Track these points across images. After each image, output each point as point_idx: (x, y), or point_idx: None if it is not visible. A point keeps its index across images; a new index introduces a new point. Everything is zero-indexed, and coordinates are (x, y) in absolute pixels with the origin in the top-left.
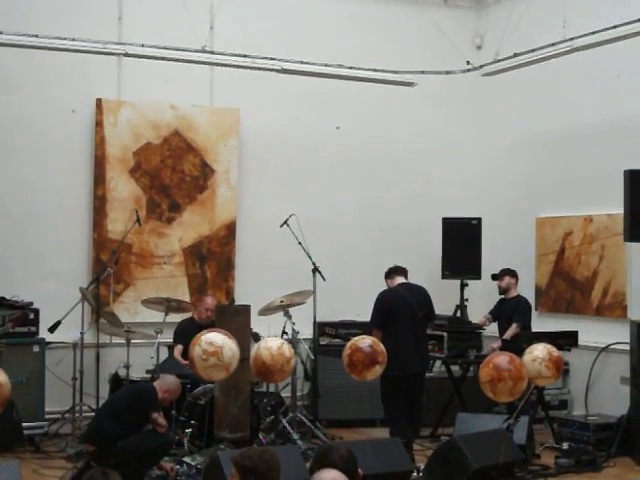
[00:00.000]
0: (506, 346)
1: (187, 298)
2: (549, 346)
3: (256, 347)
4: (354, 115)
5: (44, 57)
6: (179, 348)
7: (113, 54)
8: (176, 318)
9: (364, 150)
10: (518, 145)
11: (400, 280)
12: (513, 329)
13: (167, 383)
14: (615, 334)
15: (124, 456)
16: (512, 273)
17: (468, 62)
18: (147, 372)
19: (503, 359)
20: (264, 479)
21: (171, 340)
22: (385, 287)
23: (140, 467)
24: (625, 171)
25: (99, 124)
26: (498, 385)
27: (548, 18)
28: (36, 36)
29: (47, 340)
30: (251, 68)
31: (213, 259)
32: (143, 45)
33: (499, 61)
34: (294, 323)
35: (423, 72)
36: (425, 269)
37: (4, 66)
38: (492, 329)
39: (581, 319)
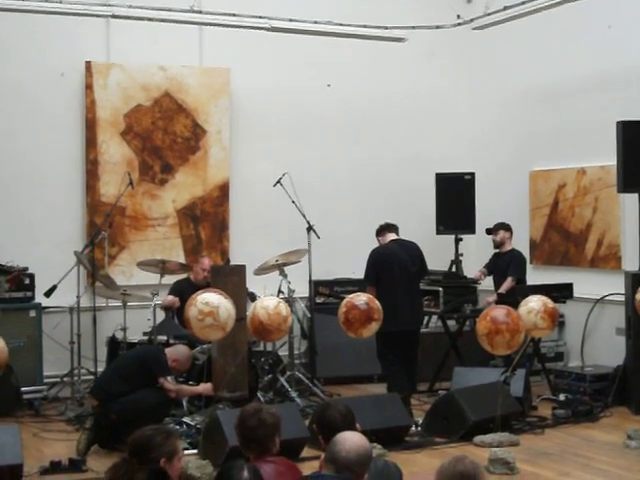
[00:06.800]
0: (502, 300)
1: (182, 259)
2: (544, 298)
3: (253, 307)
4: (345, 72)
5: (31, 20)
6: (170, 297)
7: (100, 16)
8: (171, 280)
9: (355, 107)
10: (510, 99)
11: (391, 237)
12: (508, 283)
13: (177, 353)
14: (610, 285)
15: (124, 412)
16: (506, 227)
17: (458, 16)
18: (144, 334)
19: (500, 312)
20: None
21: None
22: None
23: (143, 425)
24: (617, 122)
25: (89, 87)
26: (496, 338)
27: None
28: None
29: (43, 305)
30: (240, 27)
31: (207, 220)
32: (130, 6)
33: (489, 14)
34: (290, 282)
35: (413, 27)
36: (419, 225)
37: None
38: (487, 283)
39: (576, 271)
